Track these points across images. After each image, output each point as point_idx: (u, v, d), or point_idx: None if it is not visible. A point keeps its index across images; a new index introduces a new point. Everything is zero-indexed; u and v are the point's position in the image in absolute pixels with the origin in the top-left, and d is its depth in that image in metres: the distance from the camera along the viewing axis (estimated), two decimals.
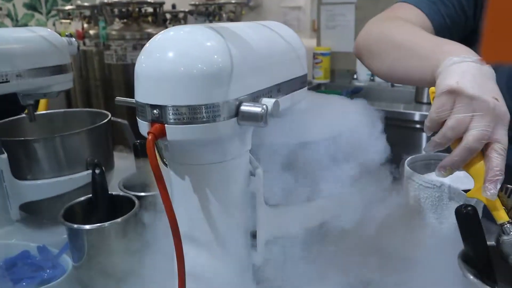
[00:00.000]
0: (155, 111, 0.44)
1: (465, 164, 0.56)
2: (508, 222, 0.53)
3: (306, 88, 0.64)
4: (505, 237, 0.52)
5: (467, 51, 0.61)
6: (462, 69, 0.57)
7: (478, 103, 0.53)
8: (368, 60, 0.85)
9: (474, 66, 0.57)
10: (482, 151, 0.55)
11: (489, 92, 0.54)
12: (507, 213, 0.54)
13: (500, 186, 0.53)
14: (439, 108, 0.56)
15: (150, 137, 0.44)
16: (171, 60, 0.44)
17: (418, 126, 1.91)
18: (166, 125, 0.44)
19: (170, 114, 0.44)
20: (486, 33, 0.17)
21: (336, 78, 2.69)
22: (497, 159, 0.53)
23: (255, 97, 0.49)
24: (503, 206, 0.54)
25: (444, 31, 0.81)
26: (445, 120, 0.56)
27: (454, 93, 0.55)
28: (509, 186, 0.56)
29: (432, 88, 0.60)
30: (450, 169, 0.57)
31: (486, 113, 0.53)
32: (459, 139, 0.55)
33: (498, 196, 0.54)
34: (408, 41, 0.73)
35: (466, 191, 0.64)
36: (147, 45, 0.47)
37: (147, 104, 0.45)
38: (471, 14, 0.83)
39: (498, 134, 0.54)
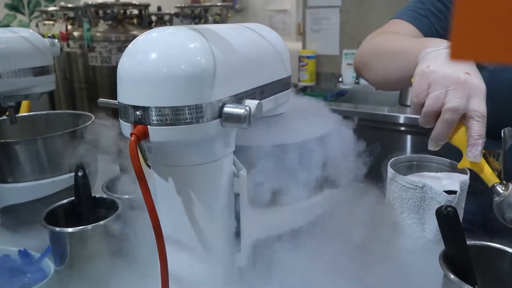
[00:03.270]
0: (137, 112, 0.44)
1: (450, 137, 0.60)
2: (499, 184, 0.56)
3: (290, 90, 0.64)
4: (496, 198, 0.55)
5: (441, 42, 0.66)
6: (434, 56, 0.62)
7: (450, 80, 0.57)
8: (364, 72, 0.90)
9: (446, 52, 0.61)
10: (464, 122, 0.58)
11: (460, 69, 0.58)
12: (498, 177, 0.57)
13: (481, 149, 0.56)
14: (416, 91, 0.61)
15: (132, 139, 0.44)
16: (153, 61, 0.44)
17: (402, 128, 1.93)
18: (149, 126, 0.44)
19: (153, 115, 0.44)
20: (453, 32, 0.17)
21: (321, 80, 2.70)
22: (475, 125, 0.56)
23: (238, 99, 0.49)
24: (494, 170, 0.58)
25: None
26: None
27: (426, 76, 0.59)
28: (496, 150, 0.58)
29: (412, 78, 0.64)
30: (435, 143, 0.61)
31: (458, 87, 0.57)
32: None
33: (488, 161, 0.58)
34: (394, 47, 0.79)
35: (447, 191, 0.66)
36: (129, 46, 0.46)
37: (130, 105, 0.45)
38: None
39: (473, 103, 0.57)
